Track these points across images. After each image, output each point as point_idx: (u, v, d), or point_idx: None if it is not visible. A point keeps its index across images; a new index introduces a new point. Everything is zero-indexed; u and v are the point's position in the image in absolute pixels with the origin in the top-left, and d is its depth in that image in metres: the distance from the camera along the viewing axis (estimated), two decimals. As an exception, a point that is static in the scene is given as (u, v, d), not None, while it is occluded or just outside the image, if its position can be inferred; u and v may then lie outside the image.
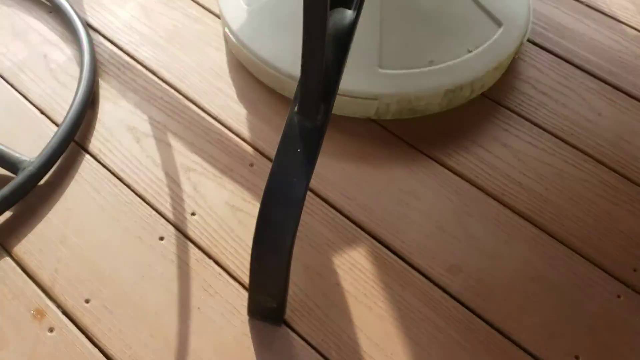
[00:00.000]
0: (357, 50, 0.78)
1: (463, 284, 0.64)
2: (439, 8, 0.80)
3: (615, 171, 0.75)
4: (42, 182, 0.69)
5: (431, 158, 0.75)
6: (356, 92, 0.75)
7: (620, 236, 0.69)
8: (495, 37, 0.80)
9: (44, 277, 0.63)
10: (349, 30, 0.61)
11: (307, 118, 0.57)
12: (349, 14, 0.61)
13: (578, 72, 0.85)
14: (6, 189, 0.65)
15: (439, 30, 0.79)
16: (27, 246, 0.65)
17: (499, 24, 0.82)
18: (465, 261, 0.66)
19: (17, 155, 0.69)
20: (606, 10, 0.94)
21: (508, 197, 0.71)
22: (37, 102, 0.77)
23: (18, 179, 0.66)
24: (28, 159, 0.68)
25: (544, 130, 0.78)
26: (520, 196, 0.71)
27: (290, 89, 0.78)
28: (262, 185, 0.70)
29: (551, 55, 0.87)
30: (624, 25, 0.92)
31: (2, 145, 0.70)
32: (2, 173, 0.70)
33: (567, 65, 0.86)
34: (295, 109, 0.58)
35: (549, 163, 0.75)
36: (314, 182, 0.71)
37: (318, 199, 0.70)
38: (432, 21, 0.79)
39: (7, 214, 0.67)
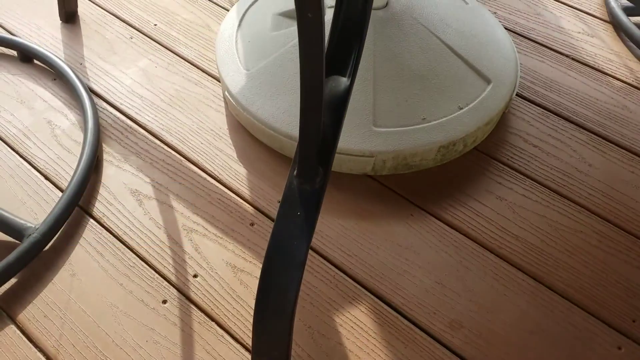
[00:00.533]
0: (352, 109, 0.80)
1: (464, 340, 0.65)
2: (429, 67, 0.83)
3: (609, 221, 0.76)
4: (46, 247, 0.70)
5: (428, 212, 0.76)
6: (353, 150, 0.77)
7: (617, 287, 0.70)
8: (484, 94, 0.83)
9: (48, 344, 0.63)
10: (345, 96, 0.63)
11: (306, 181, 0.59)
12: (344, 81, 0.64)
13: (567, 124, 0.88)
14: (11, 257, 0.67)
15: (430, 88, 0.82)
16: (32, 313, 0.65)
17: (487, 81, 0.85)
18: (466, 316, 0.67)
19: (21, 222, 0.70)
20: (591, 63, 0.98)
21: (505, 249, 0.73)
22: (42, 168, 0.79)
23: (23, 246, 0.68)
24: (33, 226, 0.70)
25: (537, 182, 0.80)
26: (517, 249, 0.73)
27: (289, 148, 0.81)
28: (263, 244, 0.71)
29: (540, 109, 0.90)
30: (609, 77, 0.96)
31: (7, 212, 0.71)
32: (8, 240, 0.71)
33: (556, 117, 0.89)
34: (295, 172, 0.60)
35: (544, 215, 0.76)
36: (313, 240, 0.73)
37: (318, 257, 0.71)
38: (423, 80, 0.82)
39: (12, 281, 0.68)
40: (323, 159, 0.58)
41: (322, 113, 0.55)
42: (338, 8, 0.64)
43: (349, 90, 0.63)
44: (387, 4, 0.88)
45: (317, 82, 0.52)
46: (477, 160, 0.83)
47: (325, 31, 0.51)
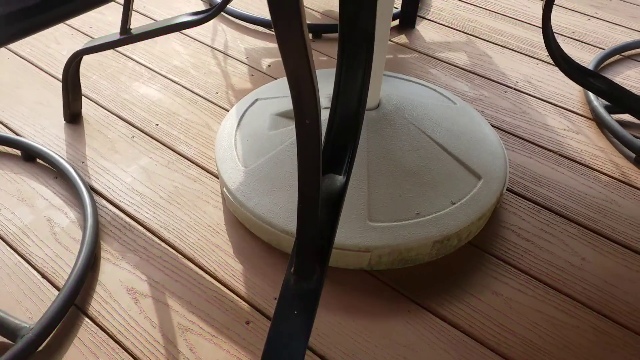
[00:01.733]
0: (347, 204, 0.82)
1: None
2: (421, 164, 0.86)
3: (606, 316, 0.76)
4: (40, 347, 0.69)
5: (425, 308, 0.76)
6: (349, 245, 0.78)
7: (619, 384, 0.69)
8: (476, 189, 0.86)
9: None
10: (341, 194, 0.65)
11: (303, 279, 0.59)
12: (340, 178, 0.66)
13: (558, 218, 0.90)
14: (4, 358, 0.65)
15: (423, 184, 0.84)
16: (21, 418, 0.63)
17: (478, 177, 0.87)
18: (467, 417, 0.65)
19: (16, 322, 0.70)
20: (578, 158, 1.01)
21: (504, 346, 0.72)
22: (39, 266, 0.79)
23: (16, 346, 0.67)
24: (27, 325, 0.69)
25: (532, 277, 0.81)
26: (516, 345, 0.72)
27: (286, 243, 0.82)
28: (259, 344, 0.71)
29: (531, 203, 0.92)
30: (596, 172, 0.99)
31: (2, 311, 0.71)
32: (1, 340, 0.70)
33: (547, 212, 0.91)
34: (292, 269, 0.60)
35: (540, 310, 0.76)
36: (310, 339, 0.72)
37: (316, 357, 0.70)
38: (416, 176, 0.85)
39: (2, 384, 0.66)
40: (320, 258, 0.59)
41: (318, 211, 0.57)
42: (333, 110, 0.68)
43: (344, 187, 0.65)
44: (379, 104, 0.92)
45: (314, 182, 0.54)
46: (472, 254, 0.84)
47: (322, 130, 0.53)
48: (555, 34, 1.36)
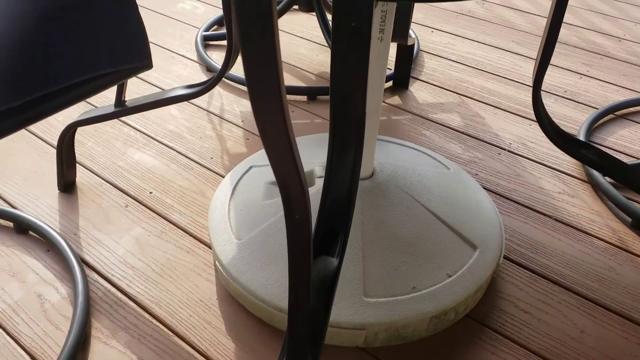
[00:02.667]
0: (342, 279, 0.81)
1: None
2: (416, 235, 0.85)
3: (607, 395, 0.74)
4: None
5: (422, 388, 0.74)
6: (344, 323, 0.77)
7: None
8: (472, 260, 0.85)
9: None
10: (334, 277, 0.64)
11: (296, 369, 0.58)
12: (333, 261, 0.65)
13: (556, 287, 0.89)
14: None
15: (418, 256, 0.83)
16: None
17: (474, 247, 0.86)
18: None
19: (1, 410, 0.68)
20: (574, 223, 1.01)
21: None
22: (28, 347, 0.78)
23: None
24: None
25: (530, 351, 0.79)
26: None
27: (279, 320, 0.80)
28: None
29: (528, 272, 0.91)
30: (593, 238, 0.98)
31: (-12, 399, 0.69)
32: None
33: (545, 281, 0.90)
34: (284, 359, 0.59)
35: (541, 388, 0.75)
36: None
37: None
38: (411, 247, 0.84)
39: None
40: (313, 348, 0.58)
41: (310, 301, 0.56)
42: (325, 191, 0.67)
43: (337, 270, 0.65)
44: (372, 173, 0.92)
45: (304, 276, 0.53)
46: (470, 328, 0.82)
47: (315, 201, 0.53)
48: (547, 93, 1.38)
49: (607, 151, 1.18)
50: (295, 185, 0.45)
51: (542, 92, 1.37)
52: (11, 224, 0.96)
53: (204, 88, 0.93)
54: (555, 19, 0.68)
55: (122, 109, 0.92)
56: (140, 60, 0.57)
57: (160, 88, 1.35)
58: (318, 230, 0.67)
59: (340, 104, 0.66)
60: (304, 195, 0.46)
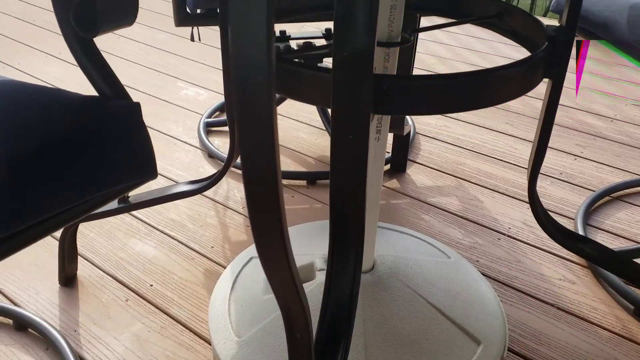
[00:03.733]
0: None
1: None
2: (419, 331, 0.85)
3: None
4: None
5: None
6: None
7: None
8: (476, 356, 0.84)
9: None
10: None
11: None
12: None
13: (562, 382, 0.87)
14: None
15: (422, 353, 0.82)
16: None
17: (477, 342, 0.86)
18: None
19: None
20: (576, 312, 1.00)
21: None
22: None
23: None
24: None
25: None
26: None
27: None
28: None
29: (533, 366, 0.90)
30: (596, 327, 0.97)
31: None
32: None
33: (550, 375, 0.88)
34: None
35: None
36: None
37: None
38: (414, 345, 0.83)
39: None
40: None
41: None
42: (325, 302, 0.67)
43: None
44: (373, 266, 0.92)
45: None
46: None
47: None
48: (544, 176, 1.40)
49: (605, 235, 1.19)
50: (297, 308, 0.45)
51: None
52: (11, 321, 0.95)
53: (208, 184, 0.95)
54: (543, 137, 0.70)
55: (125, 206, 0.94)
56: (146, 175, 0.59)
57: (162, 175, 1.37)
58: (319, 336, 0.67)
59: (340, 207, 0.67)
60: (305, 318, 0.46)
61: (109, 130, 0.56)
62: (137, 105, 0.58)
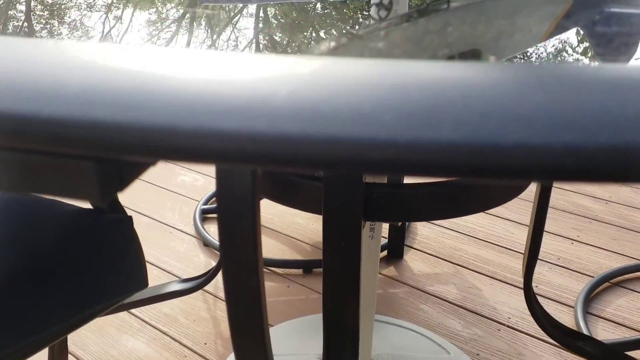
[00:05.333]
0: None
1: None
2: None
3: None
4: None
5: None
6: None
7: None
8: None
9: None
10: None
11: None
12: None
13: None
14: None
15: None
16: None
17: None
18: None
19: None
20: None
21: None
22: None
23: None
24: None
25: None
26: None
27: None
28: None
29: None
30: None
31: None
32: None
33: None
34: None
35: None
36: None
37: None
38: None
39: None
40: None
41: None
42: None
43: None
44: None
45: None
46: None
47: None
48: (541, 261, 1.39)
49: (606, 324, 1.17)
50: None
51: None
52: None
53: (202, 282, 0.94)
54: (535, 242, 0.70)
55: (117, 306, 0.92)
56: (136, 288, 0.59)
57: (156, 266, 1.36)
58: None
59: (334, 316, 0.66)
60: None
61: (100, 245, 0.56)
62: (130, 219, 0.58)
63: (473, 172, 0.19)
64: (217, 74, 0.20)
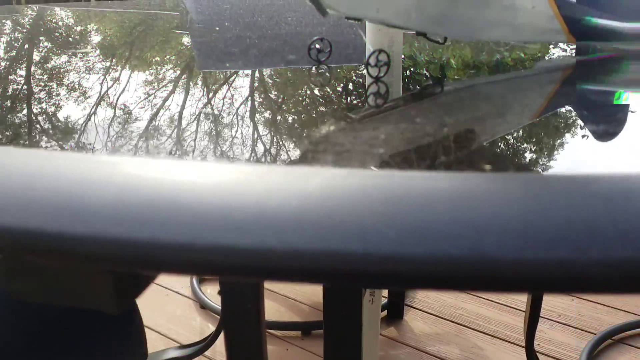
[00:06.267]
0: None
1: None
2: None
3: None
4: None
5: None
6: None
7: None
8: None
9: None
10: None
11: None
12: None
13: None
14: None
15: None
16: None
17: None
18: None
19: None
20: None
21: None
22: None
23: None
24: None
25: None
26: None
27: None
28: None
29: None
30: None
31: None
32: None
33: None
34: None
35: None
36: None
37: None
38: None
39: None
40: None
41: None
42: None
43: None
44: None
45: None
46: None
47: None
48: (542, 318, 1.38)
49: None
50: None
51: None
52: None
53: (200, 348, 0.93)
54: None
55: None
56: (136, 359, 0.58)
57: (152, 329, 1.34)
58: None
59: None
60: None
61: (100, 318, 0.56)
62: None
63: (474, 286, 0.20)
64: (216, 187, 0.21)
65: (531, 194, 0.20)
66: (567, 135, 0.53)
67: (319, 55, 0.84)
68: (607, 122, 0.58)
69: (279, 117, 0.60)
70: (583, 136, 0.52)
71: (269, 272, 0.20)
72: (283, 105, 0.65)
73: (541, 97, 0.66)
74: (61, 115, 0.61)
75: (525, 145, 0.50)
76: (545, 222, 0.19)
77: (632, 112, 0.64)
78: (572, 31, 0.84)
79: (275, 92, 0.75)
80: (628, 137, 0.51)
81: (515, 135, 0.52)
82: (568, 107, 0.63)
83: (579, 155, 0.49)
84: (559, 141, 0.53)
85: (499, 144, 0.48)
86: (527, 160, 0.44)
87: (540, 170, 0.41)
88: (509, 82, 0.76)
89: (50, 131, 0.51)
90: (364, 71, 0.73)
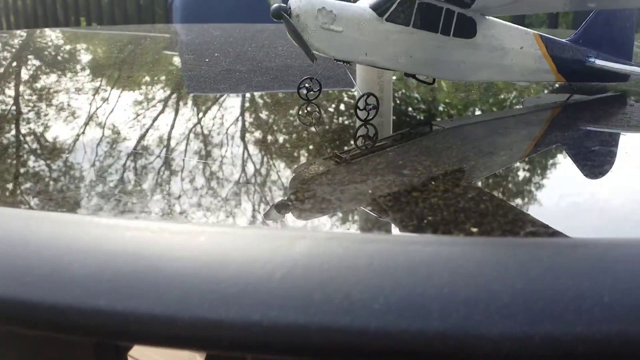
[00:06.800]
0: None
1: None
2: None
3: None
4: None
5: None
6: None
7: None
8: None
9: None
10: None
11: None
12: None
13: None
14: None
15: None
16: None
17: None
18: None
19: None
20: None
21: None
22: None
23: None
24: None
25: None
26: None
27: None
28: None
29: None
30: None
31: None
32: None
33: None
34: None
35: None
36: None
37: None
38: None
39: None
40: None
41: None
42: None
43: None
44: None
45: None
46: None
47: None
48: None
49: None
50: None
51: None
52: None
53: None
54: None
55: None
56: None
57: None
58: None
59: None
60: None
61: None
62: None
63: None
64: (208, 258, 0.21)
65: (519, 265, 0.20)
66: (553, 190, 0.53)
67: (308, 94, 0.85)
68: (597, 166, 0.58)
69: (265, 160, 0.61)
70: (571, 191, 0.52)
71: (251, 347, 0.20)
72: (271, 147, 0.65)
73: (529, 140, 0.67)
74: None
75: (510, 200, 0.50)
76: (532, 296, 0.19)
77: (626, 153, 0.65)
78: (560, 71, 0.85)
79: (262, 133, 0.75)
80: (618, 185, 0.51)
81: (501, 190, 0.52)
82: (557, 153, 0.64)
83: (564, 213, 0.48)
84: (544, 201, 0.52)
85: (484, 198, 0.48)
86: (512, 217, 0.43)
87: (526, 232, 0.41)
88: (498, 122, 0.76)
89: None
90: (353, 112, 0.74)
